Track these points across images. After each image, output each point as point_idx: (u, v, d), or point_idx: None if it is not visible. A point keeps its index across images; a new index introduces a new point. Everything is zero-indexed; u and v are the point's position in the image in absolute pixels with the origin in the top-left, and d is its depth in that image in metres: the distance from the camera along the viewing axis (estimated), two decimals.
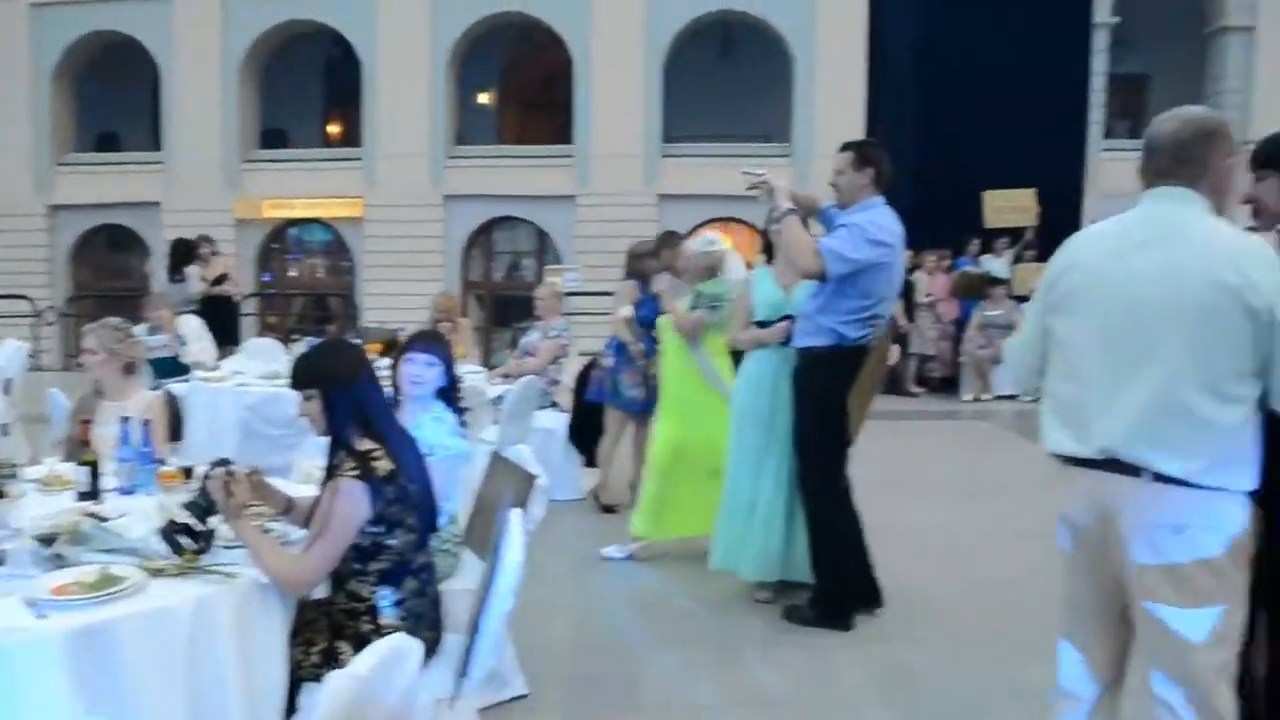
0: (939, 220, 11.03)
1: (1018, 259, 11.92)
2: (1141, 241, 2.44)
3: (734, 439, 4.73)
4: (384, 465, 2.71)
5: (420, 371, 3.55)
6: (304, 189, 22.23)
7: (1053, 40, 12.13)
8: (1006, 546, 5.71)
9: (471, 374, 6.53)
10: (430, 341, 3.68)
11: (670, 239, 6.28)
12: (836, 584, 4.42)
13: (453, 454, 3.44)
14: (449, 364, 3.64)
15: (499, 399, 6.49)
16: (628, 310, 6.10)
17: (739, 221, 21.51)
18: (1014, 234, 11.96)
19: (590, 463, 6.62)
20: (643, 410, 6.25)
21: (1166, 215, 2.45)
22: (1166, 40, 23.86)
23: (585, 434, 6.53)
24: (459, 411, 3.62)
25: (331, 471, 2.73)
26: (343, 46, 22.53)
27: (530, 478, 3.37)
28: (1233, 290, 2.29)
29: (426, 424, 3.44)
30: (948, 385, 12.22)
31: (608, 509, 6.34)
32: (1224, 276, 2.30)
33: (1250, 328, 2.30)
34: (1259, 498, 2.35)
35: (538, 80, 26.21)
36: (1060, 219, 11.81)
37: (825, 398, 4.35)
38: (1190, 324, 2.33)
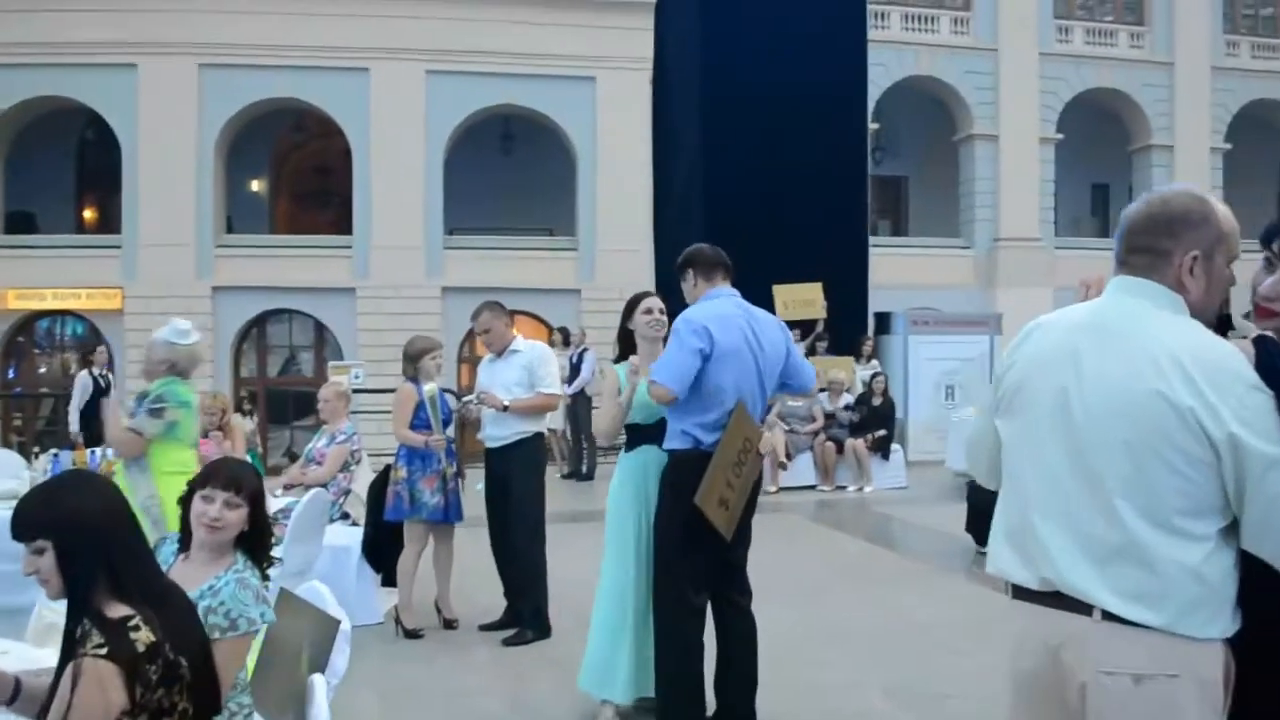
0: None
1: (811, 351, 12.09)
2: (1086, 339, 2.07)
3: (612, 544, 4.29)
4: (144, 638, 2.10)
5: (220, 514, 2.81)
6: (55, 278, 20.45)
7: (832, 140, 12.51)
8: (849, 650, 5.49)
9: None
10: (235, 475, 2.90)
11: (493, 307, 5.84)
12: (676, 705, 3.99)
13: (258, 628, 2.77)
14: (257, 504, 2.91)
15: (282, 513, 5.83)
16: (431, 388, 5.56)
17: (526, 314, 21.26)
18: (805, 326, 12.14)
19: (389, 581, 5.96)
20: (445, 519, 5.73)
21: (1116, 310, 2.08)
22: (921, 145, 25.54)
23: (382, 549, 5.89)
24: (264, 566, 2.93)
25: (72, 648, 2.10)
26: (99, 127, 21.11)
27: (331, 624, 2.84)
28: (1184, 411, 1.89)
29: (227, 587, 2.75)
30: None
31: (411, 634, 5.68)
32: (1174, 394, 1.90)
33: (1208, 457, 1.89)
34: (1235, 642, 1.97)
35: (312, 169, 25.42)
36: (847, 311, 12.10)
37: (675, 503, 4.00)
38: (1130, 449, 1.93)
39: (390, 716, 4.53)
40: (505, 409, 5.52)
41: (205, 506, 2.82)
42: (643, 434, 4.23)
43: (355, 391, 10.16)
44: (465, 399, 5.77)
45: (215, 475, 2.89)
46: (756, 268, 11.77)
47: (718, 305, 4.08)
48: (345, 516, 6.31)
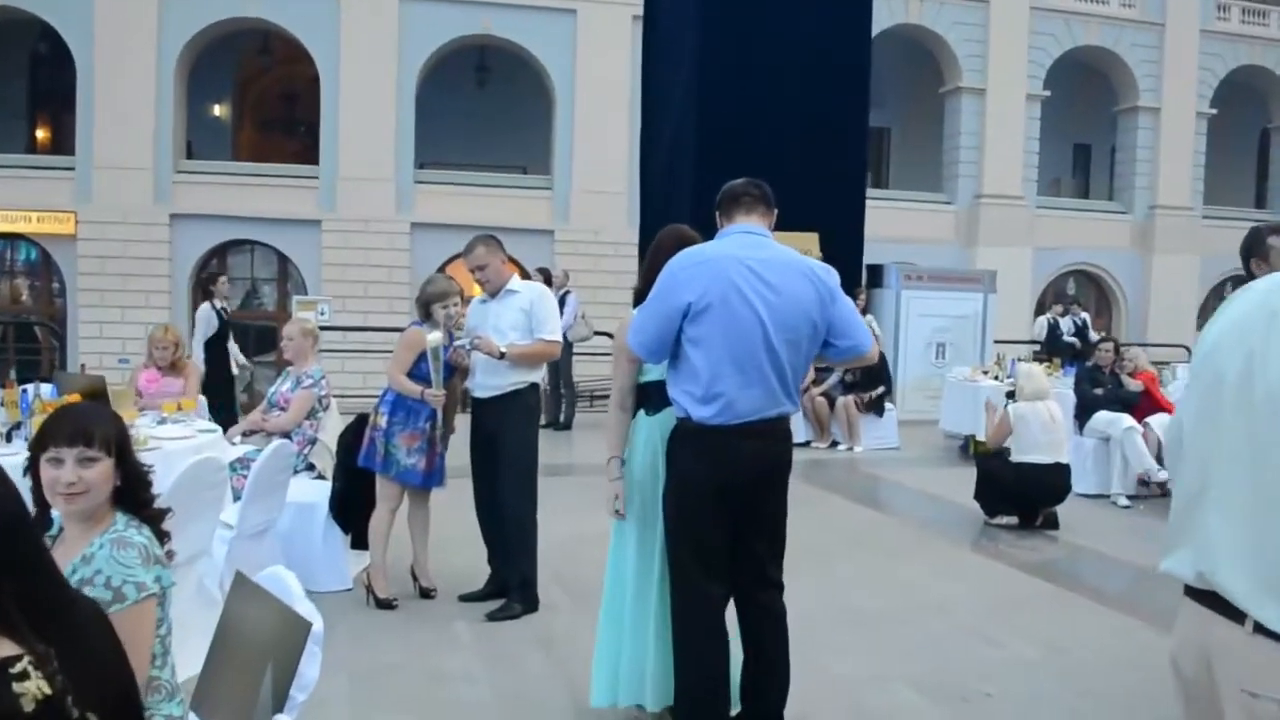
0: None
1: None
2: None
3: (628, 523, 3.62)
4: (33, 690, 1.52)
5: (76, 476, 2.21)
6: (5, 199, 19.53)
7: (832, 89, 11.86)
8: (867, 635, 5.00)
9: (204, 432, 5.23)
10: (82, 426, 2.27)
11: (488, 241, 5.15)
12: (693, 706, 3.41)
13: (153, 593, 2.20)
14: (122, 450, 2.31)
15: (240, 464, 5.23)
16: (435, 337, 4.91)
17: None
18: None
19: (359, 543, 5.36)
20: (422, 484, 5.12)
21: None
22: (906, 97, 24.96)
23: (352, 507, 5.28)
24: (154, 519, 2.35)
25: None
26: (53, 41, 20.06)
27: (300, 626, 2.27)
28: None
29: (102, 551, 2.19)
30: None
31: (384, 604, 5.07)
32: None
33: None
34: None
35: (278, 95, 24.53)
36: (841, 264, 11.54)
37: (676, 481, 3.43)
38: None
39: (361, 705, 3.95)
40: (502, 356, 4.90)
41: (55, 472, 2.22)
42: (665, 393, 3.53)
43: (321, 329, 9.51)
44: (457, 343, 5.10)
45: (56, 431, 2.26)
46: None
47: (712, 246, 3.43)
48: (310, 468, 5.70)
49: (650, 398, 3.69)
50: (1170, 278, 25.87)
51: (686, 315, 3.28)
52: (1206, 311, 27.24)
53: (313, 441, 5.72)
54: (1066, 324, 15.37)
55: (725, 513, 3.38)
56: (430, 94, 21.55)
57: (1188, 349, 22.77)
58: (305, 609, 2.35)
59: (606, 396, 15.02)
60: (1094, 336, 15.50)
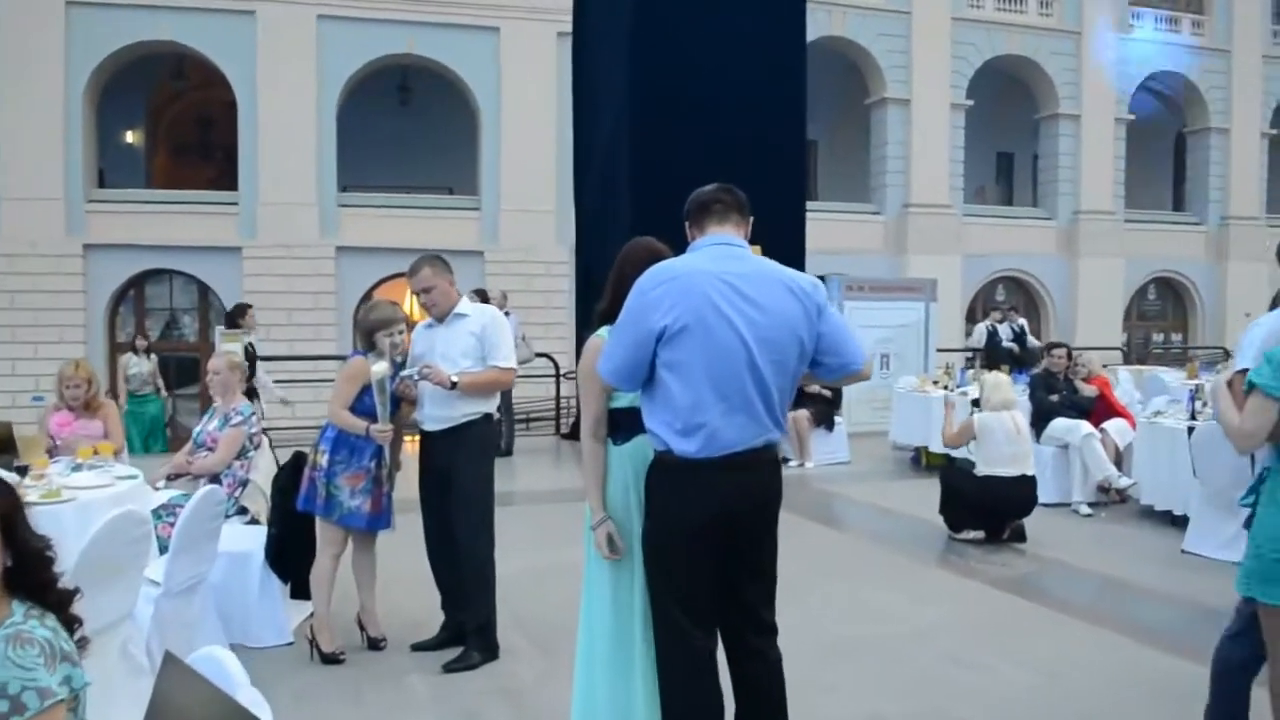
0: None
1: None
2: None
3: (601, 560, 3.28)
4: None
5: None
6: None
7: (769, 102, 11.66)
8: (852, 668, 4.71)
9: (124, 479, 4.79)
10: None
11: (434, 261, 4.81)
12: None
13: (60, 699, 1.83)
14: (11, 523, 1.93)
15: (165, 510, 4.80)
16: (381, 367, 4.52)
17: None
18: None
19: (299, 592, 4.95)
20: (370, 527, 4.73)
21: None
22: (832, 109, 25.02)
23: (291, 554, 4.87)
24: (59, 604, 1.97)
25: None
26: None
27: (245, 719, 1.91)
28: None
29: None
30: None
31: (329, 658, 4.65)
32: None
33: None
34: None
35: (193, 120, 23.88)
36: None
37: (657, 521, 3.10)
38: None
39: None
40: (453, 386, 4.53)
41: None
42: (636, 420, 3.23)
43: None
44: (404, 373, 4.71)
45: None
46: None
47: (683, 261, 3.11)
48: (242, 512, 5.28)
49: (619, 426, 3.35)
50: (1096, 281, 26.23)
51: (660, 339, 2.97)
52: (1132, 314, 27.72)
53: (244, 483, 5.31)
54: (1005, 330, 15.40)
55: (712, 553, 3.06)
56: (352, 115, 21.07)
57: (1120, 350, 23.15)
58: (249, 698, 2.00)
59: (544, 420, 14.70)
60: (1032, 342, 15.56)
